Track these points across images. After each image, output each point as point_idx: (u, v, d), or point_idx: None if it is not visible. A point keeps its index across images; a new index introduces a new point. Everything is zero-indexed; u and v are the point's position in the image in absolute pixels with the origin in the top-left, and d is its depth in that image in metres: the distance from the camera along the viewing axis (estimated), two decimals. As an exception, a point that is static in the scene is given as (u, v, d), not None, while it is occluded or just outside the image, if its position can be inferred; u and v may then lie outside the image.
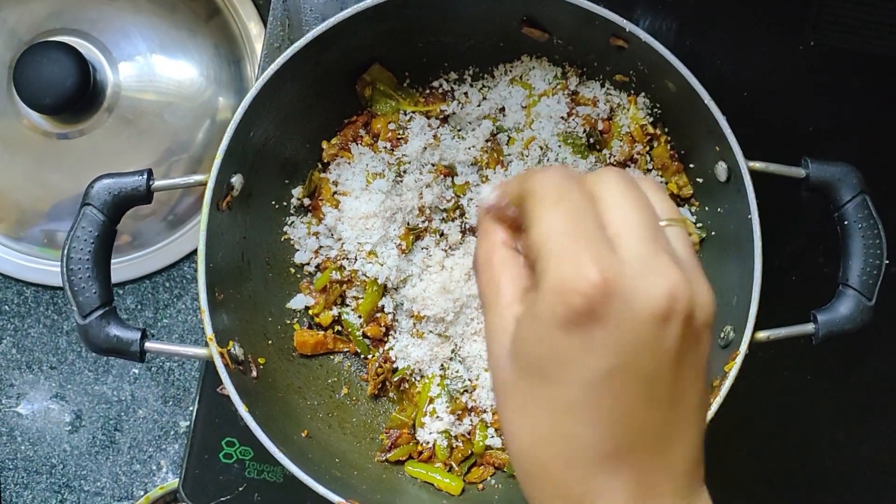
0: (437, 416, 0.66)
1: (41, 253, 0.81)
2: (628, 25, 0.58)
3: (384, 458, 0.67)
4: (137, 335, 0.56)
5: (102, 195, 0.56)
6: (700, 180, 0.65)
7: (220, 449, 0.72)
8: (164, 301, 0.81)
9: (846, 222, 0.58)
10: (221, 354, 0.57)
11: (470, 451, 0.67)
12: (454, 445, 0.66)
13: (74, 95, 0.75)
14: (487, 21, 0.64)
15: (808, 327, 0.59)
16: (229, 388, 0.57)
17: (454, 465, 0.66)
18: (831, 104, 0.75)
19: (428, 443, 0.66)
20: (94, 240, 0.55)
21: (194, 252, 0.80)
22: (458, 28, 0.65)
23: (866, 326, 0.58)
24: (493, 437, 0.67)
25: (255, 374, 0.63)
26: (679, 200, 0.68)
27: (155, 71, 0.80)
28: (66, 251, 0.55)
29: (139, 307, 0.81)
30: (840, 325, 0.58)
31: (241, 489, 0.72)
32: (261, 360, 0.64)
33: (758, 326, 0.58)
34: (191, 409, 0.77)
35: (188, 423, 0.79)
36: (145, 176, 0.57)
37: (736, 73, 0.75)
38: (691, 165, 0.66)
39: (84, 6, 0.79)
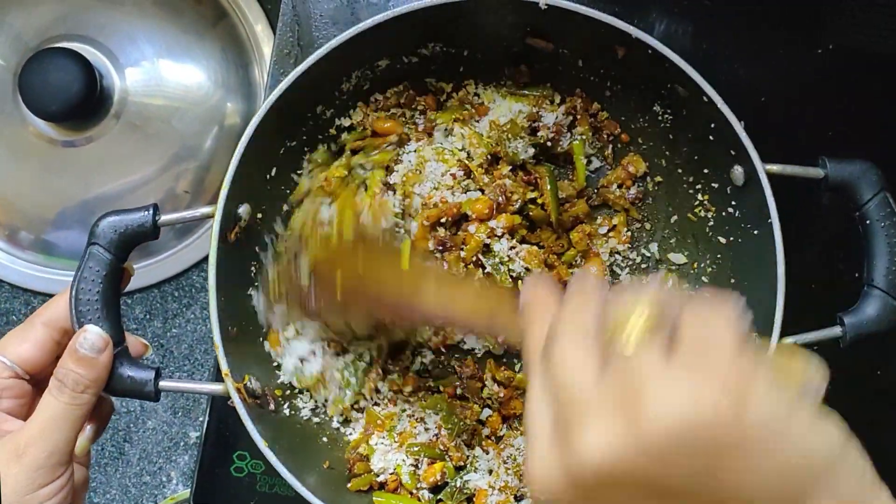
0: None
1: (47, 262, 0.80)
2: (634, 32, 0.57)
3: (349, 487, 0.64)
4: (151, 375, 0.54)
5: (108, 233, 0.54)
6: (715, 185, 0.64)
7: (231, 462, 0.71)
8: (173, 311, 0.79)
9: (868, 221, 0.57)
10: (238, 390, 0.56)
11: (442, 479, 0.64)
12: (418, 474, 0.64)
13: (81, 102, 0.73)
14: (492, 33, 0.63)
15: (835, 330, 0.57)
16: (248, 426, 0.55)
17: (426, 491, 0.63)
18: (850, 107, 0.74)
19: (385, 469, 0.64)
20: (101, 279, 0.53)
21: (203, 261, 0.79)
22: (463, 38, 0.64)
23: (895, 327, 0.57)
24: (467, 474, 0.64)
25: (272, 406, 0.61)
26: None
27: (162, 76, 0.79)
28: (73, 293, 0.53)
29: (147, 317, 0.79)
30: (867, 326, 0.57)
31: (252, 503, 0.71)
32: (277, 392, 0.63)
33: (782, 332, 0.57)
34: (200, 419, 0.76)
35: (198, 434, 0.77)
36: (151, 211, 0.55)
37: (752, 77, 0.73)
38: (705, 171, 0.64)
39: (90, 11, 0.78)
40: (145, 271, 0.79)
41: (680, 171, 0.67)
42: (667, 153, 0.67)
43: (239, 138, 0.57)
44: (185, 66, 0.79)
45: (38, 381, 0.54)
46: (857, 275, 0.71)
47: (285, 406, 0.63)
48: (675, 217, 0.69)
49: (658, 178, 0.69)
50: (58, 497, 0.48)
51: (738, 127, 0.57)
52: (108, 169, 0.78)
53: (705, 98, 0.57)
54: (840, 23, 0.74)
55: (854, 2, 0.73)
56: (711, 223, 0.66)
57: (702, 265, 0.68)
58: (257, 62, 0.80)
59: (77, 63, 0.73)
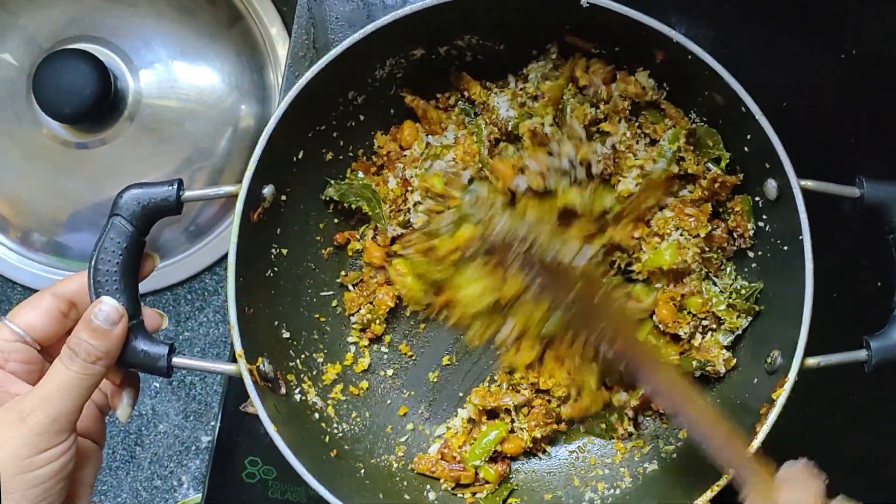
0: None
1: (59, 263, 0.77)
2: (676, 36, 0.54)
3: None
4: (165, 350, 0.52)
5: (131, 205, 0.52)
6: (746, 196, 0.61)
7: (243, 468, 0.68)
8: (186, 314, 0.77)
9: (902, 245, 0.54)
10: (251, 371, 0.53)
11: None
12: None
13: (94, 104, 0.71)
14: (531, 28, 0.60)
15: (861, 354, 0.54)
16: (258, 407, 0.53)
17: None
18: (873, 113, 0.70)
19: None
20: (122, 251, 0.52)
21: (216, 264, 0.77)
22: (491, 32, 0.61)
23: (922, 354, 0.54)
24: None
25: (283, 390, 0.59)
26: None
27: (176, 78, 0.76)
28: (93, 262, 0.51)
29: (160, 319, 0.77)
30: (895, 352, 0.54)
31: (263, 509, 0.68)
32: (289, 377, 0.60)
33: (806, 352, 0.53)
34: (212, 423, 0.74)
35: (210, 438, 0.75)
36: (175, 186, 0.53)
37: (774, 83, 0.70)
38: (739, 183, 0.61)
39: (104, 13, 0.75)
40: (158, 274, 0.76)
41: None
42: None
43: (254, 141, 0.55)
44: (200, 68, 0.76)
45: (47, 351, 0.52)
46: (879, 284, 0.68)
47: (296, 391, 0.61)
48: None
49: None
50: (57, 463, 0.46)
51: (776, 140, 0.53)
52: (122, 171, 0.75)
53: (743, 109, 0.54)
54: (863, 28, 0.70)
55: (877, 6, 0.70)
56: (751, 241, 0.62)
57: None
58: (272, 65, 0.77)
59: (91, 65, 0.70)
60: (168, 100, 0.76)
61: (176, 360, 0.52)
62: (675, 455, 0.62)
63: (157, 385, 0.76)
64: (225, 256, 0.76)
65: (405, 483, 0.63)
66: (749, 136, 0.56)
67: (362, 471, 0.61)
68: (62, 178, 0.75)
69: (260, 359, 0.56)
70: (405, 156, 0.64)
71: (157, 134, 0.75)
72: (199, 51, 0.76)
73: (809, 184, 0.54)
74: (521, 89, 0.63)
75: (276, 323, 0.61)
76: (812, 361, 0.53)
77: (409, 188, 0.63)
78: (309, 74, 0.55)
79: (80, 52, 0.71)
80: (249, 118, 0.77)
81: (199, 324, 0.77)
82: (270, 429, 0.53)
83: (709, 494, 0.54)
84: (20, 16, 0.75)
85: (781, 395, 0.53)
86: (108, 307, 0.50)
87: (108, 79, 0.72)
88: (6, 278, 0.77)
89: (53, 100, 0.70)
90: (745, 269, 0.63)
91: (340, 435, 0.63)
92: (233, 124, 0.76)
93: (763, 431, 0.53)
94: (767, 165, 0.55)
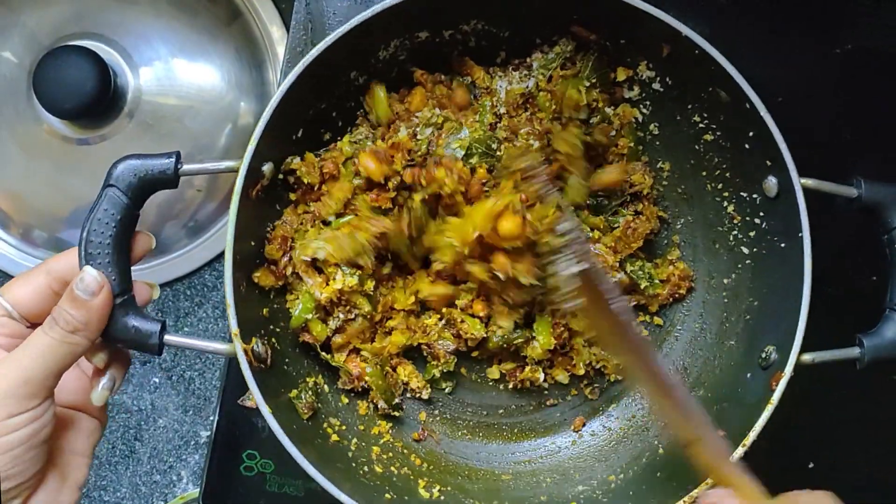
0: None
1: (61, 259, 0.76)
2: (685, 30, 0.53)
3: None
4: (157, 327, 0.50)
5: (127, 177, 0.50)
6: (744, 194, 0.60)
7: (241, 462, 0.68)
8: (185, 309, 0.76)
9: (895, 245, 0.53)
10: (246, 352, 0.52)
11: None
12: None
13: (95, 100, 0.70)
14: (537, 16, 0.59)
15: (854, 351, 0.54)
16: (253, 389, 0.52)
17: None
18: (868, 109, 0.70)
19: None
20: (115, 223, 0.49)
21: (215, 260, 0.76)
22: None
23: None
24: None
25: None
26: None
27: (176, 75, 0.75)
28: (84, 234, 0.49)
29: (159, 315, 0.76)
30: (888, 349, 0.53)
31: (261, 503, 0.68)
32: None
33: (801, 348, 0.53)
34: (211, 418, 0.73)
35: (209, 432, 0.74)
36: (174, 158, 0.51)
37: (769, 79, 0.68)
38: (737, 179, 0.60)
39: (105, 10, 0.74)
40: (158, 270, 0.75)
41: (704, 174, 0.63)
42: (695, 158, 0.63)
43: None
44: (199, 65, 0.75)
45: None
46: (873, 278, 0.68)
47: None
48: (699, 223, 0.65)
49: (683, 186, 0.65)
50: (26, 430, 0.44)
51: (780, 138, 0.53)
52: (122, 167, 0.74)
53: (748, 105, 0.53)
54: (859, 23, 0.69)
55: (873, 1, 0.69)
56: (736, 232, 0.62)
57: (722, 280, 0.64)
58: (271, 62, 0.76)
59: (91, 61, 0.69)
60: (167, 97, 0.75)
61: (168, 337, 0.50)
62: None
63: (157, 380, 0.76)
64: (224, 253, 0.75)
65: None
66: (751, 134, 0.55)
67: (366, 466, 0.60)
68: (63, 175, 0.74)
69: (254, 339, 0.54)
70: (415, 118, 0.62)
71: (156, 130, 0.74)
72: (198, 48, 0.75)
73: (810, 182, 0.53)
74: (525, 75, 0.62)
75: (272, 295, 0.60)
76: (806, 357, 0.53)
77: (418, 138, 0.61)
78: (322, 45, 0.53)
79: (81, 48, 0.70)
80: (248, 115, 0.76)
81: (199, 319, 0.76)
82: (265, 410, 0.51)
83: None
84: (21, 13, 0.74)
85: (777, 390, 0.53)
86: (89, 277, 0.48)
87: (108, 75, 0.71)
88: (7, 274, 0.76)
89: (54, 96, 0.69)
90: (739, 266, 0.62)
91: (337, 422, 0.62)
92: (232, 121, 0.75)
93: (759, 425, 0.52)
94: (768, 163, 0.55)
